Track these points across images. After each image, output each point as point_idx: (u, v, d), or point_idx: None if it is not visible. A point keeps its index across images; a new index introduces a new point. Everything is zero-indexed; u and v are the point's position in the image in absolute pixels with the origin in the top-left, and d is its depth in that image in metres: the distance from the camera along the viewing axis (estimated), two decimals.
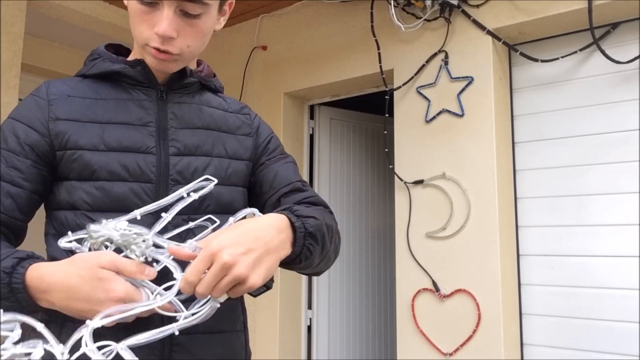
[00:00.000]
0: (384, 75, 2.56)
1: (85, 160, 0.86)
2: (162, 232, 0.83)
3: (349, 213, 3.27)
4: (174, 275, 0.75)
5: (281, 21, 3.02)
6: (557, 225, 2.19)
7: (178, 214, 0.83)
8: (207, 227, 0.87)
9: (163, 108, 0.93)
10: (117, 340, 0.69)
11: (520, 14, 2.18)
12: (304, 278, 3.03)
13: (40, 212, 0.92)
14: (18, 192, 0.84)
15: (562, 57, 2.18)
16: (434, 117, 2.37)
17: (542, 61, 2.21)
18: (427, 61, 2.42)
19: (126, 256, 0.76)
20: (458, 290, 2.22)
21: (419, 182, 2.38)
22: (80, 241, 0.81)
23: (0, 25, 2.35)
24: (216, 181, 0.86)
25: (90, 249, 0.79)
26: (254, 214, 0.84)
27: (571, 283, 2.14)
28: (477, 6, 2.29)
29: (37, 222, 0.95)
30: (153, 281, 0.77)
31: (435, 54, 2.39)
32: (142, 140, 0.89)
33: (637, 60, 2.03)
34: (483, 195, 2.20)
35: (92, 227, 0.77)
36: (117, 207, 0.85)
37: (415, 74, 2.44)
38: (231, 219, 0.82)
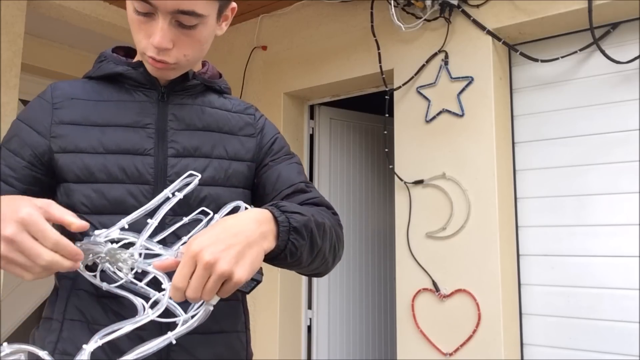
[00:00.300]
0: (384, 75, 2.56)
1: (84, 163, 0.87)
2: (161, 231, 0.83)
3: (349, 213, 3.27)
4: (163, 286, 0.75)
5: (281, 21, 3.02)
6: (557, 225, 2.19)
7: (174, 214, 0.84)
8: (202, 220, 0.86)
9: (164, 109, 0.93)
10: (121, 345, 0.70)
11: (520, 14, 2.18)
12: (304, 278, 3.03)
13: None
14: (9, 190, 0.86)
15: (562, 57, 2.18)
16: (434, 117, 2.37)
17: (542, 61, 2.21)
18: (427, 61, 2.42)
19: (115, 272, 0.77)
20: (458, 290, 2.22)
21: (419, 182, 2.38)
22: None
23: (0, 25, 2.35)
24: (199, 176, 0.85)
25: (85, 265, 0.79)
26: (240, 207, 0.83)
27: (571, 283, 2.14)
28: (477, 6, 2.29)
29: None
30: (150, 285, 0.77)
31: (435, 54, 2.39)
32: (140, 142, 0.90)
33: (637, 60, 2.03)
34: (483, 195, 2.20)
35: (79, 244, 0.76)
36: (115, 209, 0.85)
37: (415, 74, 2.44)
38: (217, 216, 0.82)
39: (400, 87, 2.49)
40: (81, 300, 0.85)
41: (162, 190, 0.84)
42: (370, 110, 3.36)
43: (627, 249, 2.03)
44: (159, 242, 0.80)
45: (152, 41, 0.84)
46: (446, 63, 2.36)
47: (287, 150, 1.05)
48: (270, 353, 2.83)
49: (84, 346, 0.69)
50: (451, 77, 2.34)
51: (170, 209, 0.88)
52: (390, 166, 2.51)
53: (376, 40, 2.57)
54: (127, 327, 0.71)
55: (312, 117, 3.17)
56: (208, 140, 0.95)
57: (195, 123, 0.95)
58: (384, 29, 2.55)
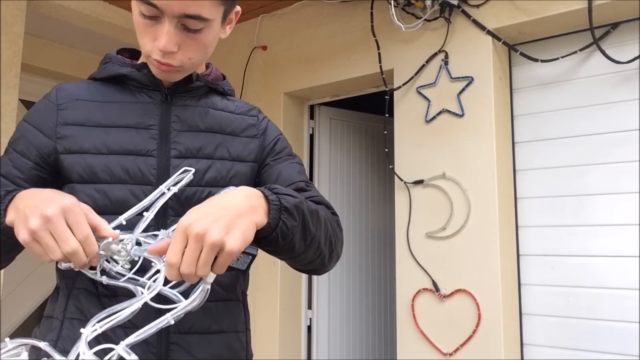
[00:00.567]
0: (384, 75, 2.56)
1: (88, 164, 0.87)
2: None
3: (349, 213, 3.27)
4: (157, 267, 0.75)
5: (281, 21, 3.02)
6: (557, 225, 2.19)
7: (177, 215, 0.84)
8: None
9: (167, 111, 0.94)
10: (119, 339, 0.70)
11: (520, 14, 2.18)
12: (304, 278, 3.04)
13: None
14: None
15: (562, 57, 2.18)
16: (434, 117, 2.37)
17: (542, 61, 2.22)
18: (427, 61, 2.42)
19: (116, 271, 0.78)
20: (458, 290, 2.22)
21: (419, 182, 2.38)
22: None
23: (0, 25, 2.35)
24: (194, 170, 0.86)
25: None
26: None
27: (571, 283, 2.14)
28: (477, 6, 2.29)
29: None
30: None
31: (435, 54, 2.40)
32: (143, 143, 0.90)
33: (637, 60, 2.03)
34: (483, 195, 2.20)
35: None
36: (117, 210, 0.85)
37: (415, 74, 2.44)
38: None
39: (400, 87, 2.49)
40: (81, 299, 0.86)
41: None
42: (370, 110, 3.36)
43: (627, 249, 2.03)
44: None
45: (158, 44, 0.84)
46: (446, 63, 2.36)
47: (289, 151, 1.06)
48: (270, 353, 2.83)
49: (82, 330, 0.69)
50: (451, 77, 2.34)
51: (172, 210, 0.88)
52: (390, 166, 2.51)
53: (376, 40, 2.57)
54: (124, 310, 0.71)
55: (312, 117, 3.18)
56: (211, 141, 0.95)
57: (198, 124, 0.96)
58: (384, 29, 2.55)
